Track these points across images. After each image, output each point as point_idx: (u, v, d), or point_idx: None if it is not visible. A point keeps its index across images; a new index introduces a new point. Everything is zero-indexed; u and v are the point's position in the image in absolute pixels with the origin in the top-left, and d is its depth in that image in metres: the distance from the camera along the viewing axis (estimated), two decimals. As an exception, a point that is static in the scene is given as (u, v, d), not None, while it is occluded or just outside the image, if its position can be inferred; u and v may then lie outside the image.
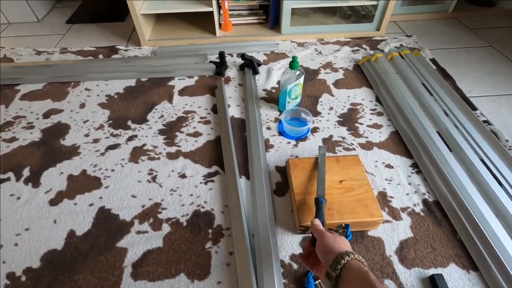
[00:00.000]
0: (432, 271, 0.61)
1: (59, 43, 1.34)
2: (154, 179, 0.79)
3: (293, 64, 0.85)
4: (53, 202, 0.74)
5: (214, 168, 0.81)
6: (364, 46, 1.28)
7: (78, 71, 1.15)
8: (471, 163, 0.79)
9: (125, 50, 1.27)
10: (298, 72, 0.87)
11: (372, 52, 1.23)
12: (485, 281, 0.60)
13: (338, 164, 0.75)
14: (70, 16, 1.53)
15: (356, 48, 1.27)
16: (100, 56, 1.24)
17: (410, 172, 0.80)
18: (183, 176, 0.80)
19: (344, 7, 1.46)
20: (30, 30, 1.44)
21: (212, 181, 0.78)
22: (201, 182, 0.78)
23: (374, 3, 1.28)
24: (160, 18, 1.45)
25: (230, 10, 1.34)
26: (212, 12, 1.24)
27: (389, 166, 0.81)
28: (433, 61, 1.19)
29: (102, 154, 0.85)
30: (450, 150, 0.84)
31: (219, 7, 1.29)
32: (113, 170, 0.81)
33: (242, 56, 1.13)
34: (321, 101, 1.02)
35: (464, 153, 0.82)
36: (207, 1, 1.26)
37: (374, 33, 1.35)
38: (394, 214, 0.71)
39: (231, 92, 1.05)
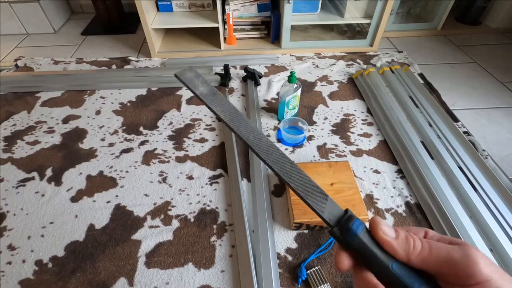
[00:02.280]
0: (410, 264, 0.69)
1: (75, 54, 1.45)
2: (164, 180, 0.88)
3: (291, 79, 0.95)
4: (74, 199, 0.83)
5: (219, 171, 0.90)
6: (358, 60, 1.38)
7: (94, 80, 1.24)
8: (450, 170, 0.88)
9: (136, 61, 1.37)
10: (295, 85, 0.97)
11: (365, 66, 1.33)
12: (456, 273, 0.68)
13: (330, 169, 0.83)
14: (84, 28, 1.64)
15: (350, 62, 1.37)
16: (113, 67, 1.34)
17: (395, 177, 0.88)
18: (190, 177, 0.88)
19: (340, 24, 1.56)
20: (48, 41, 1.54)
21: (217, 182, 0.87)
22: (206, 183, 0.87)
23: (368, 21, 1.38)
24: (169, 32, 1.55)
25: (234, 25, 1.44)
26: (217, 27, 1.35)
27: (376, 171, 0.90)
28: (421, 75, 1.29)
29: (117, 157, 0.94)
30: (432, 158, 0.92)
31: (224, 22, 1.39)
32: (127, 172, 0.90)
33: (245, 68, 1.23)
34: (317, 112, 1.11)
35: (444, 161, 0.90)
36: (213, 17, 1.37)
37: (368, 48, 1.45)
38: (379, 214, 0.79)
39: (234, 102, 1.15)
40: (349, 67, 1.34)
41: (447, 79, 1.28)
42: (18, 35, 1.59)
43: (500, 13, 1.55)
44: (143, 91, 1.20)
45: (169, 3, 1.41)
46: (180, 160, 0.93)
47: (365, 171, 0.90)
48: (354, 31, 1.54)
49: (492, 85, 1.24)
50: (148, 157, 0.94)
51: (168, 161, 0.93)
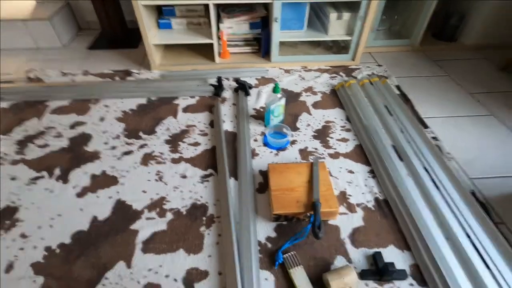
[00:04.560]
0: (375, 250, 0.79)
1: (82, 66, 1.57)
2: (160, 178, 0.98)
3: (275, 89, 1.06)
4: (80, 195, 0.93)
5: (209, 171, 1.00)
6: (341, 73, 1.51)
7: (98, 91, 1.36)
8: (416, 171, 0.98)
9: (138, 73, 1.50)
10: (279, 95, 1.09)
11: (347, 79, 1.46)
12: (414, 257, 0.77)
13: (308, 169, 0.94)
14: (91, 43, 1.77)
15: (334, 75, 1.50)
16: (117, 78, 1.47)
17: (367, 177, 0.99)
18: (184, 176, 0.99)
19: (326, 40, 1.69)
20: (57, 55, 1.67)
21: (208, 181, 0.97)
22: (198, 181, 0.97)
23: (350, 38, 1.51)
24: (169, 47, 1.68)
25: (228, 41, 1.57)
26: (212, 43, 1.48)
27: (351, 171, 1.00)
28: (398, 87, 1.41)
29: (119, 158, 1.05)
30: (401, 160, 1.03)
31: (219, 39, 1.52)
32: (127, 171, 1.00)
33: (237, 80, 1.35)
34: (301, 119, 1.22)
35: (411, 162, 1.01)
36: (209, 33, 1.50)
37: (350, 62, 1.58)
38: (351, 208, 0.89)
39: (226, 110, 1.26)
40: (332, 79, 1.46)
41: (422, 91, 1.40)
42: (30, 50, 1.72)
43: (473, 30, 1.69)
44: (143, 100, 1.32)
45: (168, 21, 1.54)
46: (175, 161, 1.04)
47: (340, 171, 1.00)
48: (339, 47, 1.67)
49: (461, 96, 1.36)
50: (147, 159, 1.05)
51: (165, 162, 1.03)
